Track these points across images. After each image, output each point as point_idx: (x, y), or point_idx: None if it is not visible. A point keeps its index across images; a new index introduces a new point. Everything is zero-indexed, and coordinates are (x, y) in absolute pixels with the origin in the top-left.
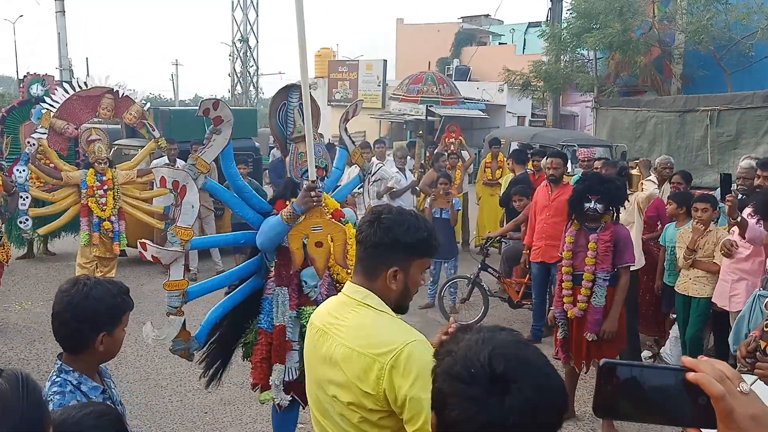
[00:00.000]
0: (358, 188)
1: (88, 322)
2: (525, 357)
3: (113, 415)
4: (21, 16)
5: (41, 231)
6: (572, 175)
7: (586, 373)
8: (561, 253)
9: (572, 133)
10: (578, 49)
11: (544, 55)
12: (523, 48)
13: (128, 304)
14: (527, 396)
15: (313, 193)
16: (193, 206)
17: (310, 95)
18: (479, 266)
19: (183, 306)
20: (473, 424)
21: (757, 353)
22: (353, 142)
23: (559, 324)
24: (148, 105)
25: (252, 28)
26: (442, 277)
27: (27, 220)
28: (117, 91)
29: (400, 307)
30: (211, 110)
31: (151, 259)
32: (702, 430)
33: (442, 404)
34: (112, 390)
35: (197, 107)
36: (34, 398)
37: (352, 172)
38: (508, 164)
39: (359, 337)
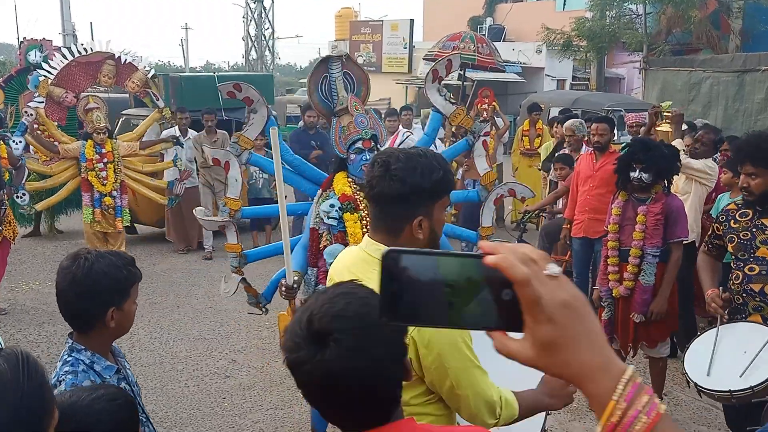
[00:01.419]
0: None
1: (95, 298)
2: (339, 310)
3: (125, 398)
4: None
5: (39, 206)
6: (620, 143)
7: (633, 357)
8: (607, 227)
9: (618, 97)
10: (626, 4)
11: (588, 11)
12: (564, 3)
13: (135, 275)
14: (347, 344)
15: (284, 289)
16: (236, 180)
17: (354, 61)
18: (516, 242)
19: (243, 266)
20: (314, 381)
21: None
22: (452, 102)
23: (605, 304)
24: (152, 72)
25: None
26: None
27: (24, 194)
28: (119, 56)
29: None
30: (236, 92)
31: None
32: (509, 334)
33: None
34: (127, 370)
35: (210, 74)
36: (35, 378)
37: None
38: (551, 131)
39: None
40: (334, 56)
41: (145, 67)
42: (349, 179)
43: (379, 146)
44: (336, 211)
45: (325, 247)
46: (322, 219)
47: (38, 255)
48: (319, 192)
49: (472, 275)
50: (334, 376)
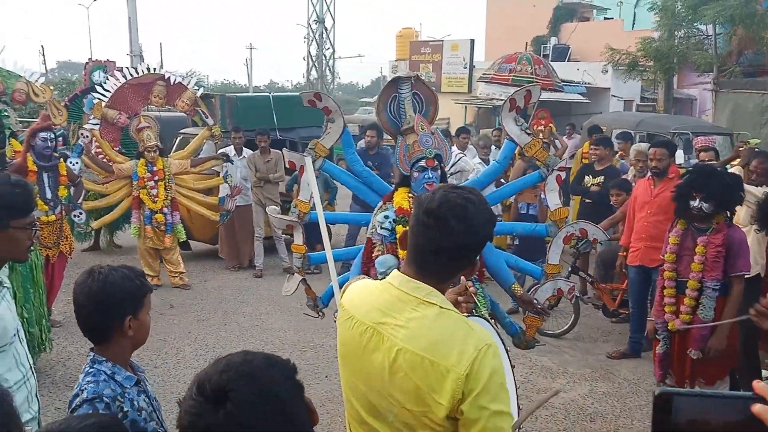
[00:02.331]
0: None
1: (112, 308)
2: (224, 366)
3: (117, 428)
4: (94, 0)
5: (94, 225)
6: (686, 167)
7: None
8: (663, 255)
9: (685, 120)
10: (695, 24)
11: (655, 31)
12: (633, 23)
13: (147, 286)
14: (246, 392)
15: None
16: (308, 183)
17: (423, 81)
18: (569, 269)
19: (305, 268)
20: None
21: None
22: (528, 133)
23: (660, 336)
24: (201, 90)
25: (328, 8)
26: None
27: (81, 213)
28: (168, 77)
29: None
30: (317, 102)
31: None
32: None
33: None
34: (147, 384)
35: (266, 94)
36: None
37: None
38: (593, 152)
39: (429, 343)
40: (404, 77)
41: (193, 86)
42: (410, 195)
43: (443, 165)
44: (389, 222)
45: (377, 256)
46: (376, 229)
47: None
48: (380, 204)
49: (743, 414)
50: (246, 426)
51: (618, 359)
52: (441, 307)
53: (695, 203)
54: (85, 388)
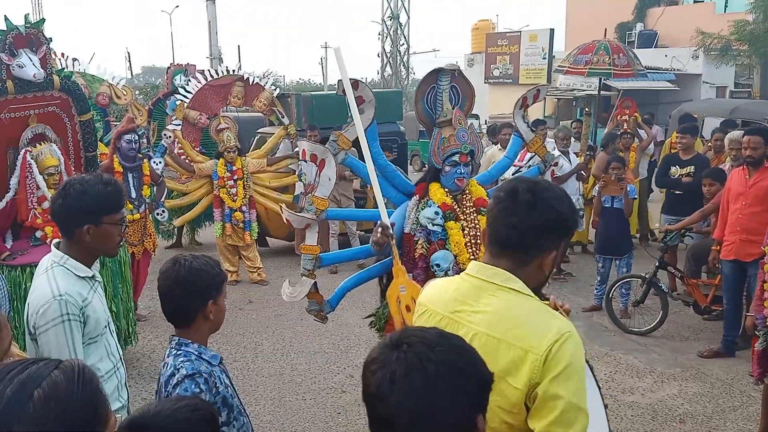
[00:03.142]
0: None
1: (198, 291)
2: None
3: (206, 410)
4: (177, 6)
5: (177, 222)
6: None
7: None
8: (764, 247)
9: None
10: None
11: (750, 13)
12: (725, 6)
13: (225, 273)
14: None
15: (380, 230)
16: (329, 179)
17: (464, 76)
18: (656, 264)
19: (316, 270)
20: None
21: None
22: (533, 130)
23: (759, 333)
24: (277, 91)
25: (403, 4)
26: (612, 276)
27: (164, 211)
28: (247, 78)
29: (535, 293)
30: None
31: (286, 222)
32: None
33: None
34: (225, 365)
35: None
36: (88, 388)
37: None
38: (680, 141)
39: (506, 326)
40: (446, 69)
41: (271, 86)
42: (445, 189)
43: (474, 162)
44: (441, 218)
45: (422, 254)
46: (423, 225)
47: None
48: (416, 198)
49: None
50: (411, 369)
51: (710, 358)
52: (521, 292)
53: None
54: (182, 366)
